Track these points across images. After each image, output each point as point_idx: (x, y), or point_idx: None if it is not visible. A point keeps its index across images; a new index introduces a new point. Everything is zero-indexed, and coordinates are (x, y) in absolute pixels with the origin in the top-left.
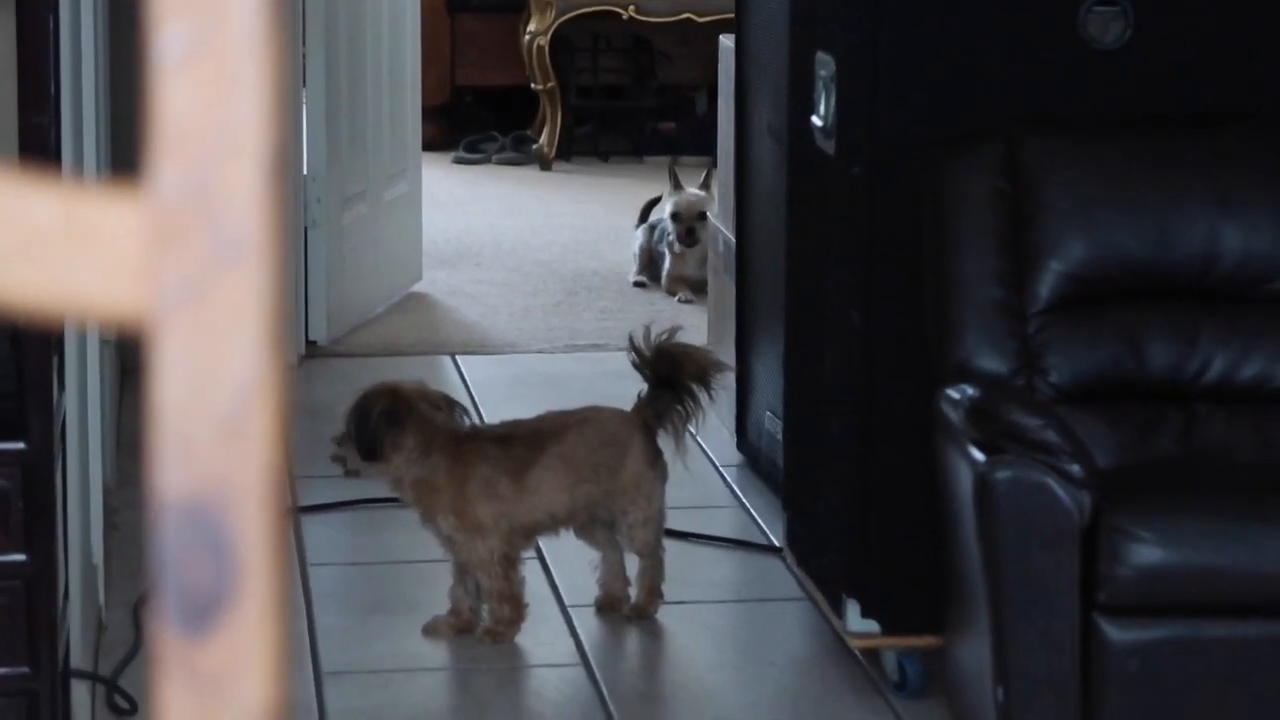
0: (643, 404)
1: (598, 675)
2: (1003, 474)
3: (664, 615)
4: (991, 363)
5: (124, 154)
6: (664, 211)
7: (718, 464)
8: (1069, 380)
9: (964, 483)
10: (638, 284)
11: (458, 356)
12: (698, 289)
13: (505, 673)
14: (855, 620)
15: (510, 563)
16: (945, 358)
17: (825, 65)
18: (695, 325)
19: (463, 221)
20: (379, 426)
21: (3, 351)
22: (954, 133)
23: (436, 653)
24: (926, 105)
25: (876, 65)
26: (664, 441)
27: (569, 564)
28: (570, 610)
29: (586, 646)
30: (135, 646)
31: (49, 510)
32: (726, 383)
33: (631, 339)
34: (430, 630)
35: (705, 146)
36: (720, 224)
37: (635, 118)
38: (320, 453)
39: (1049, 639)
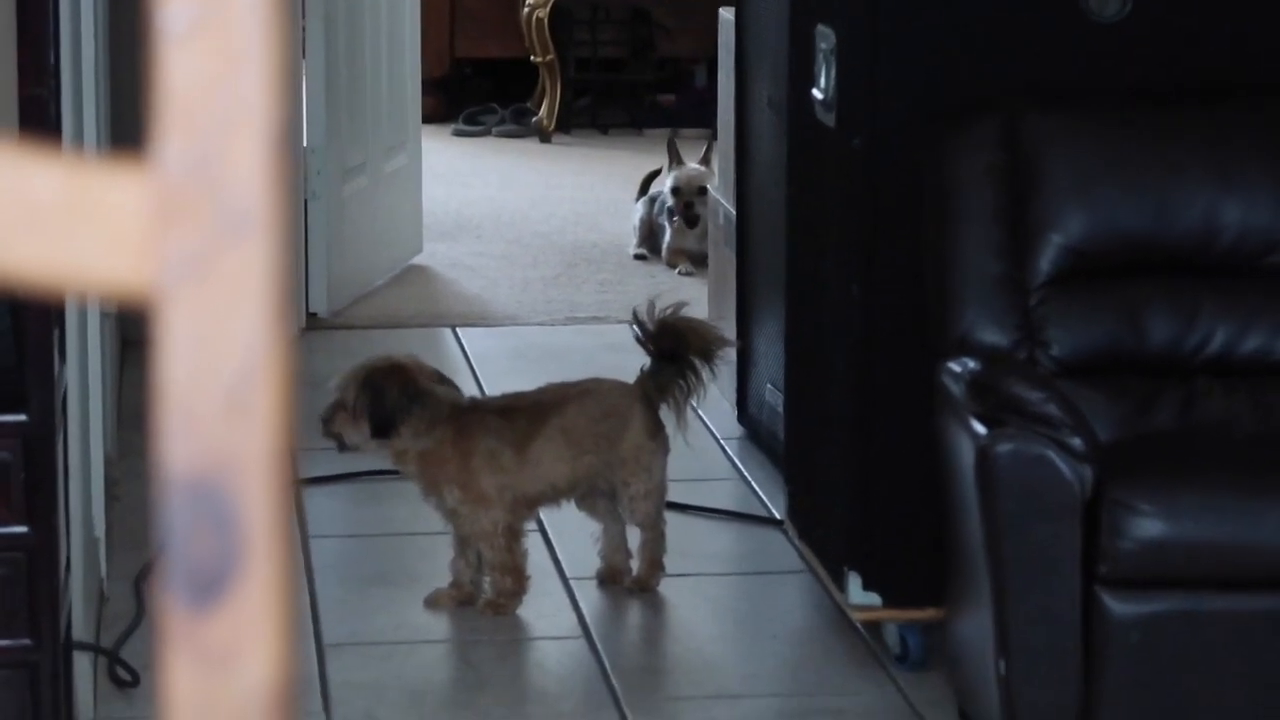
0: (645, 377)
1: (599, 647)
2: (1004, 447)
3: (665, 587)
4: (992, 336)
5: (124, 127)
6: (664, 186)
7: (718, 437)
8: (1070, 353)
9: (965, 456)
10: (638, 256)
11: (458, 329)
12: (698, 261)
13: (507, 645)
14: (856, 592)
15: (514, 534)
16: (946, 331)
17: (825, 38)
18: (696, 298)
19: (462, 194)
20: (399, 404)
21: (3, 324)
22: (954, 106)
23: (438, 625)
24: (927, 78)
25: (877, 38)
26: (666, 416)
27: (570, 537)
28: (572, 583)
29: (588, 619)
30: (137, 618)
31: (50, 482)
32: (728, 356)
33: (635, 312)
34: (432, 602)
35: (705, 119)
36: (721, 197)
37: (634, 90)
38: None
39: (1050, 611)
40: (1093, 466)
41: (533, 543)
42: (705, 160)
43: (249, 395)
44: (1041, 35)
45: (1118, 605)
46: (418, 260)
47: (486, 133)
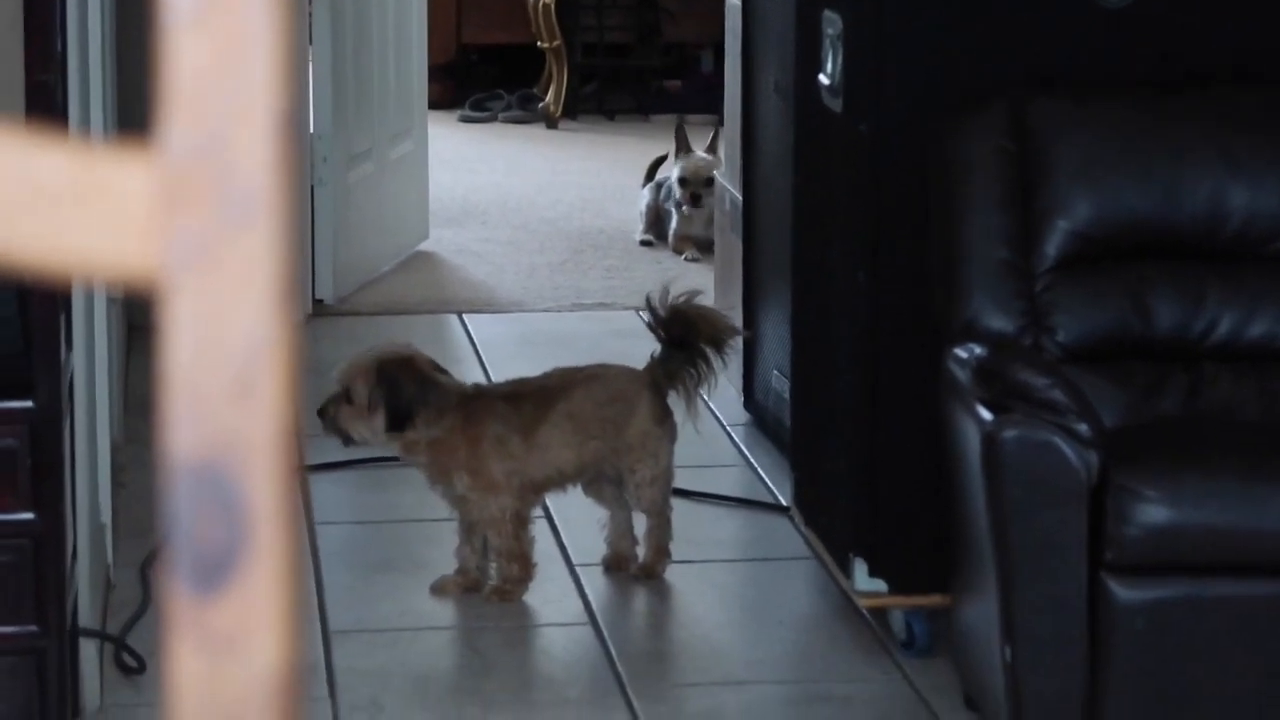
0: (654, 364)
1: (605, 634)
2: (1010, 433)
3: (671, 574)
4: (998, 322)
5: (130, 112)
6: (671, 172)
7: (725, 423)
8: (1076, 339)
9: (971, 442)
10: (644, 243)
11: (464, 315)
12: (705, 248)
13: (513, 631)
14: (862, 579)
15: (521, 521)
16: (952, 317)
17: (832, 23)
18: (702, 284)
19: (469, 180)
20: (415, 395)
21: (10, 310)
22: (961, 92)
23: (444, 611)
24: (934, 64)
25: (884, 24)
26: (674, 403)
27: (576, 524)
28: (578, 569)
29: (594, 605)
30: (143, 605)
31: (57, 469)
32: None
33: (648, 298)
34: (438, 589)
35: (711, 105)
36: (727, 183)
37: (641, 76)
38: None
39: (1056, 598)
40: (1098, 452)
41: (539, 530)
42: (712, 147)
43: (254, 380)
44: (1049, 22)
45: (1123, 591)
46: (424, 247)
47: (493, 119)
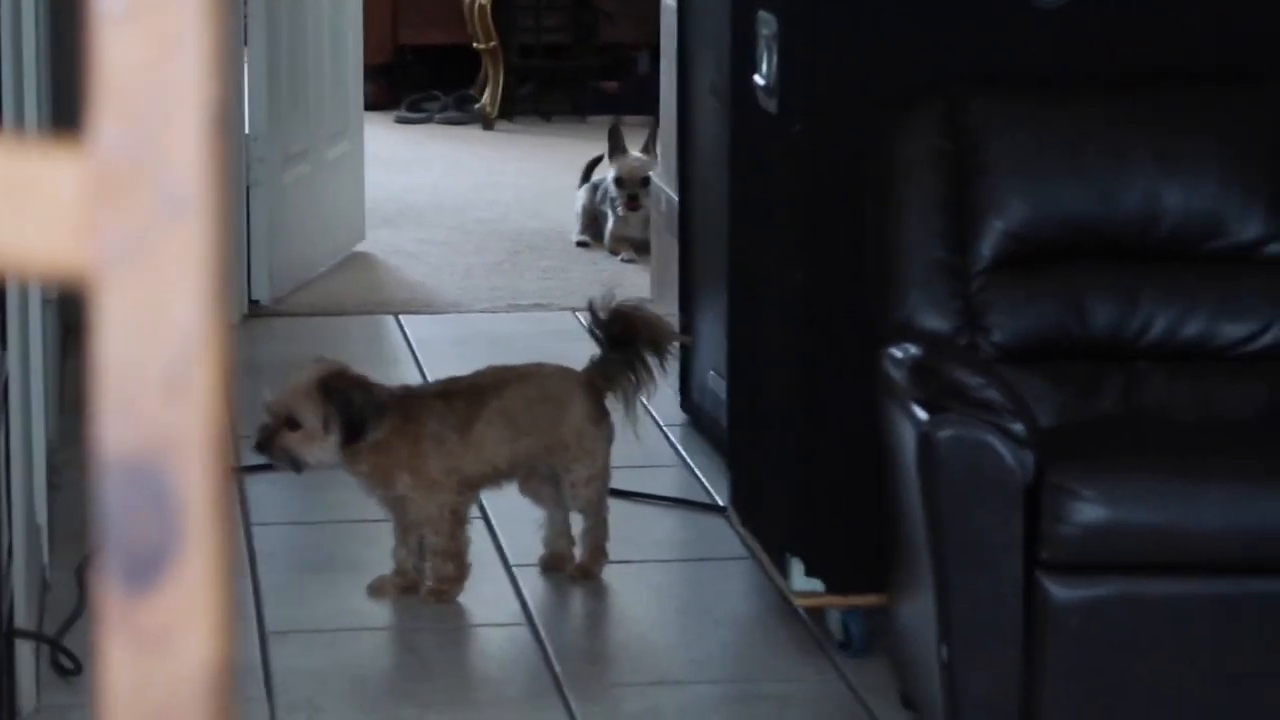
0: (592, 365)
1: (542, 634)
2: (945, 432)
3: (609, 574)
4: (934, 321)
5: (65, 108)
6: (607, 173)
7: (661, 423)
8: (1011, 339)
9: (907, 441)
10: (580, 243)
11: (401, 316)
12: (641, 249)
13: (450, 632)
14: (799, 579)
15: (459, 519)
16: (888, 316)
17: (767, 24)
18: (638, 285)
19: (405, 181)
20: (366, 405)
21: None
22: (897, 92)
23: (381, 612)
24: (869, 64)
25: (818, 23)
26: (613, 406)
27: (513, 524)
28: (515, 570)
29: (531, 606)
30: (79, 607)
31: None
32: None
33: (590, 302)
34: (375, 590)
35: (647, 106)
36: (663, 183)
37: (577, 77)
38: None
39: (992, 597)
40: (1034, 452)
41: (475, 530)
42: (648, 147)
43: (187, 377)
44: (985, 20)
45: (1059, 590)
46: (360, 247)
47: (429, 120)
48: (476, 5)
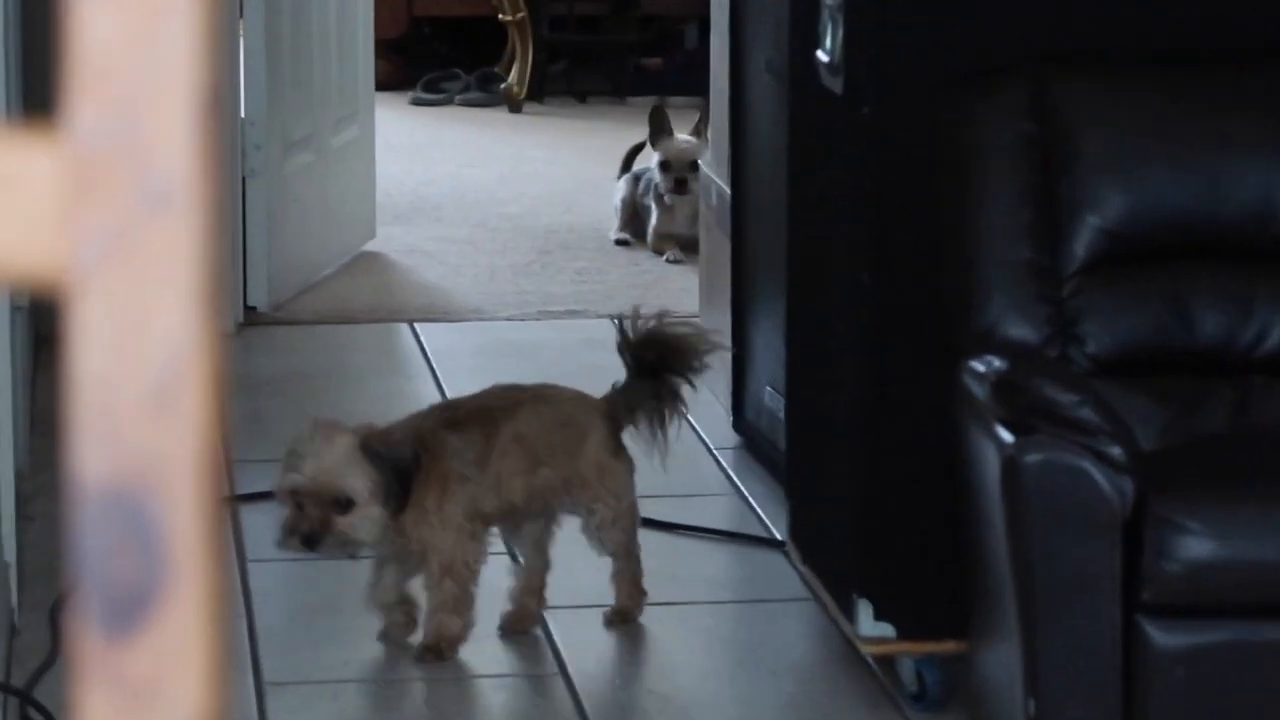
0: (614, 392)
1: (576, 685)
2: (1033, 456)
3: (651, 618)
4: (1020, 330)
5: (37, 92)
6: (650, 161)
7: (711, 446)
8: (1108, 350)
9: (990, 466)
10: (619, 242)
11: (416, 324)
12: (688, 247)
13: (471, 684)
14: (867, 623)
15: (477, 567)
16: (968, 325)
17: None
18: (685, 288)
19: (421, 171)
20: (413, 463)
21: None
22: (976, 70)
23: (394, 661)
24: (945, 38)
25: None
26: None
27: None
28: (546, 613)
29: (564, 653)
30: (53, 654)
31: None
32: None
33: (620, 322)
34: (386, 636)
35: (696, 86)
36: (713, 173)
37: (616, 53)
38: (263, 433)
39: (1086, 643)
40: (1133, 478)
41: (499, 566)
42: (697, 132)
43: (175, 394)
44: None
45: (1161, 635)
46: (370, 246)
47: (449, 101)
48: None
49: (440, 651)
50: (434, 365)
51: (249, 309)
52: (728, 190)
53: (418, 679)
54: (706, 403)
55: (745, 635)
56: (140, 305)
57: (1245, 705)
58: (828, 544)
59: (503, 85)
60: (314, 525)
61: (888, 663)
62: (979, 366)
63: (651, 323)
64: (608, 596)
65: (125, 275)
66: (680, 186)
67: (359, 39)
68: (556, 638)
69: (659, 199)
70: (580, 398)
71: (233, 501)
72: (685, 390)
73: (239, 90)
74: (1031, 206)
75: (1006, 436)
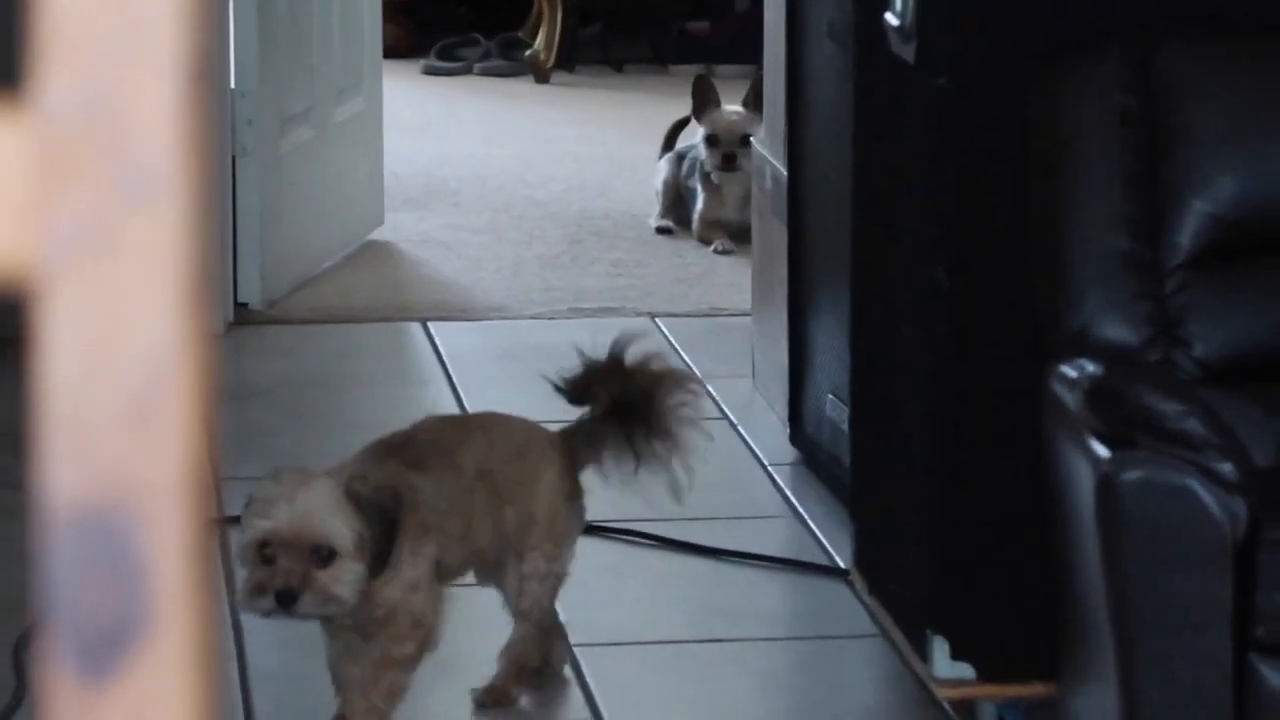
0: (576, 425)
1: None
2: (1132, 474)
3: (697, 657)
4: (1118, 331)
5: (3, 61)
6: (695, 138)
7: (765, 462)
8: (1218, 354)
9: (1083, 485)
10: (661, 230)
11: (429, 323)
12: (738, 236)
13: None
14: (943, 663)
15: (440, 633)
16: (1058, 325)
17: None
18: (734, 282)
19: (436, 150)
20: (399, 514)
21: None
22: (1069, 36)
23: (405, 705)
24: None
25: None
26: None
27: (574, 590)
28: (577, 651)
29: (599, 697)
30: (16, 698)
31: None
32: (774, 358)
33: (581, 354)
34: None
35: (747, 53)
36: (767, 152)
37: (657, 16)
38: (255, 447)
39: (1192, 685)
40: (1246, 499)
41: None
42: (748, 104)
43: (157, 405)
44: None
45: (1278, 677)
46: (377, 235)
47: (466, 70)
48: None
49: (381, 714)
50: (450, 370)
51: (240, 306)
52: (783, 172)
53: None
54: (760, 413)
55: (804, 677)
56: (118, 304)
57: None
58: (898, 573)
59: (528, 52)
60: (290, 580)
61: (966, 708)
62: (1071, 372)
63: (628, 355)
64: (649, 632)
65: (101, 270)
66: (729, 163)
67: (364, 0)
68: (589, 679)
69: (705, 180)
70: (531, 426)
71: (222, 526)
72: (658, 443)
73: (228, 59)
74: (1131, 191)
75: (1102, 451)
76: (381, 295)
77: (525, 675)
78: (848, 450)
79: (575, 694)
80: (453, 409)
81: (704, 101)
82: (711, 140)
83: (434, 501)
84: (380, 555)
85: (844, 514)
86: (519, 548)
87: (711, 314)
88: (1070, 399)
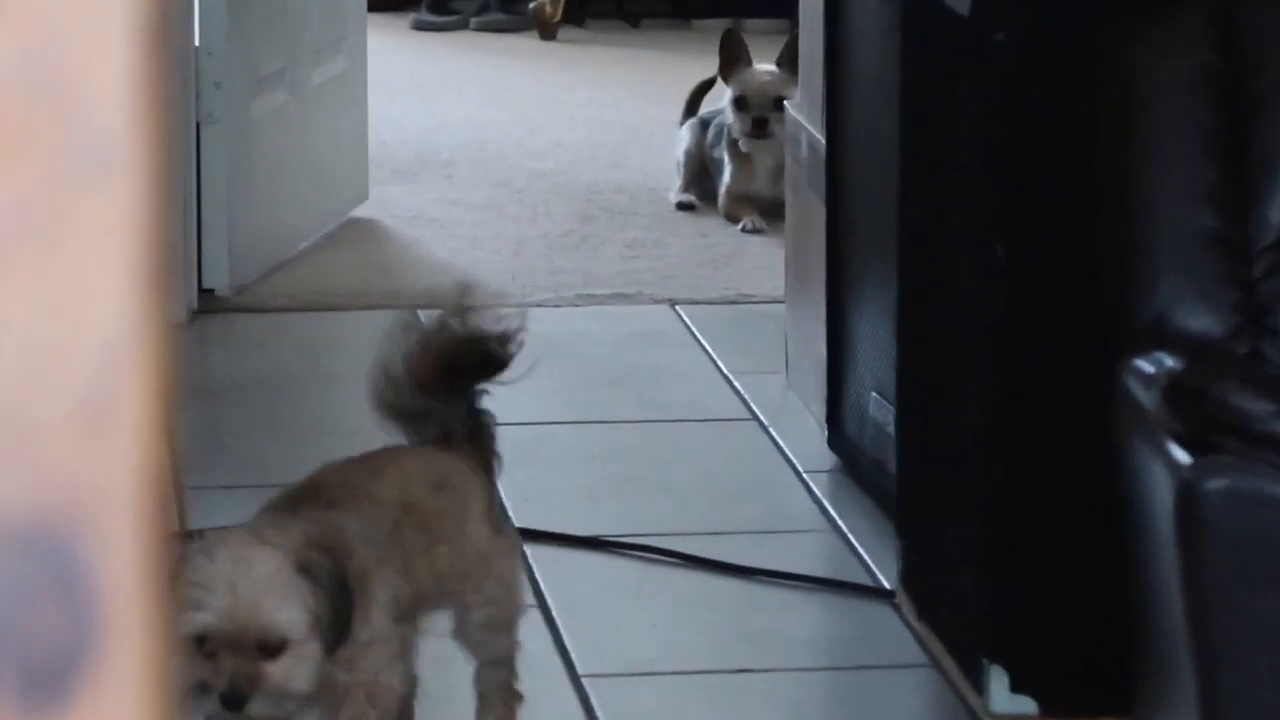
0: (478, 443)
1: None
2: (1216, 482)
3: (724, 687)
4: (1200, 320)
5: None
6: (722, 101)
7: (800, 468)
8: None
9: (1160, 495)
10: (682, 205)
11: (420, 312)
12: (770, 212)
13: None
14: (1002, 696)
15: (401, 691)
16: (1132, 313)
17: None
18: (766, 265)
19: (427, 115)
20: (351, 586)
21: None
22: None
23: None
24: None
25: None
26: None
27: (581, 617)
28: (586, 682)
29: None
30: None
31: None
32: (812, 353)
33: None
34: None
35: (780, 6)
36: (803, 118)
37: None
38: (222, 452)
39: None
40: None
41: (533, 627)
42: (782, 64)
43: (110, 405)
44: None
45: None
46: (361, 212)
47: (462, 25)
48: None
49: None
50: None
51: (205, 293)
52: (821, 140)
53: None
54: (794, 413)
55: (843, 711)
56: (66, 292)
57: None
58: (950, 594)
59: (531, 4)
60: (236, 682)
61: None
62: (1146, 367)
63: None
64: (664, 662)
65: (46, 254)
66: (760, 129)
67: None
68: (599, 713)
69: (733, 149)
70: (446, 455)
71: (182, 540)
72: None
73: (192, 12)
74: (1214, 161)
75: (1182, 457)
76: (366, 280)
77: (519, 701)
78: (893, 455)
79: None
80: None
81: (732, 60)
82: (740, 103)
83: (367, 536)
84: (337, 629)
85: (889, 527)
86: (464, 603)
87: (739, 301)
88: (1146, 397)
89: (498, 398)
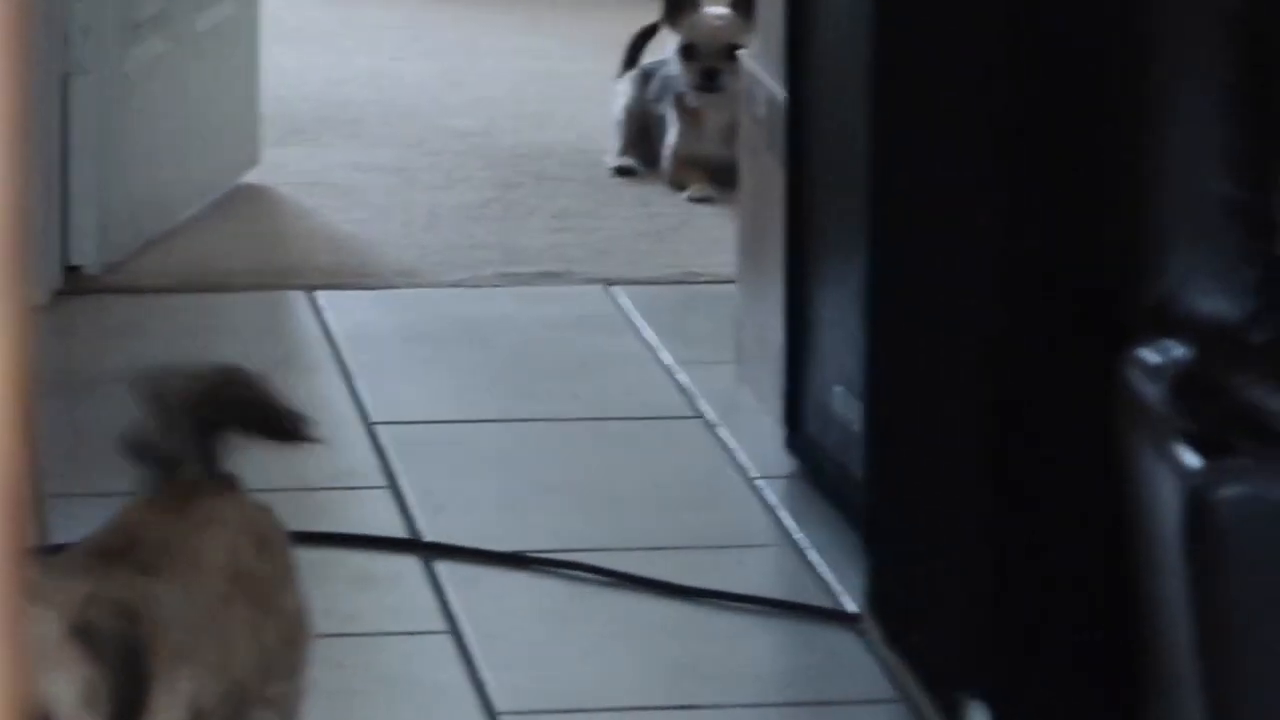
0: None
1: None
2: (1231, 488)
3: None
4: (1214, 302)
5: None
6: (666, 51)
7: (753, 474)
8: None
9: (1167, 501)
10: (621, 170)
11: (316, 293)
12: (721, 178)
13: None
14: None
15: None
16: (1138, 292)
17: None
18: (717, 239)
19: (329, 67)
20: (145, 654)
21: None
22: None
23: None
24: None
25: None
26: None
27: (502, 646)
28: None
29: None
30: None
31: None
32: (766, 343)
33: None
34: None
35: None
36: (760, 69)
37: None
38: (90, 454)
39: None
40: None
41: (444, 657)
42: (736, 7)
43: None
44: None
45: None
46: (252, 178)
47: None
48: None
49: None
50: (342, 355)
51: (71, 270)
52: (782, 94)
53: None
54: (747, 410)
55: None
56: None
57: None
58: (925, 619)
59: None
60: None
61: None
62: (1152, 356)
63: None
64: (595, 697)
65: None
66: (710, 81)
67: None
68: None
69: (680, 105)
70: (255, 504)
71: (41, 556)
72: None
73: None
74: (1234, 119)
75: (1192, 459)
76: (256, 256)
77: None
78: (860, 458)
79: None
80: (346, 403)
81: (678, 3)
82: (687, 52)
83: (185, 618)
84: (126, 708)
85: (855, 541)
86: (279, 673)
87: (685, 281)
88: (1151, 390)
89: (402, 391)
